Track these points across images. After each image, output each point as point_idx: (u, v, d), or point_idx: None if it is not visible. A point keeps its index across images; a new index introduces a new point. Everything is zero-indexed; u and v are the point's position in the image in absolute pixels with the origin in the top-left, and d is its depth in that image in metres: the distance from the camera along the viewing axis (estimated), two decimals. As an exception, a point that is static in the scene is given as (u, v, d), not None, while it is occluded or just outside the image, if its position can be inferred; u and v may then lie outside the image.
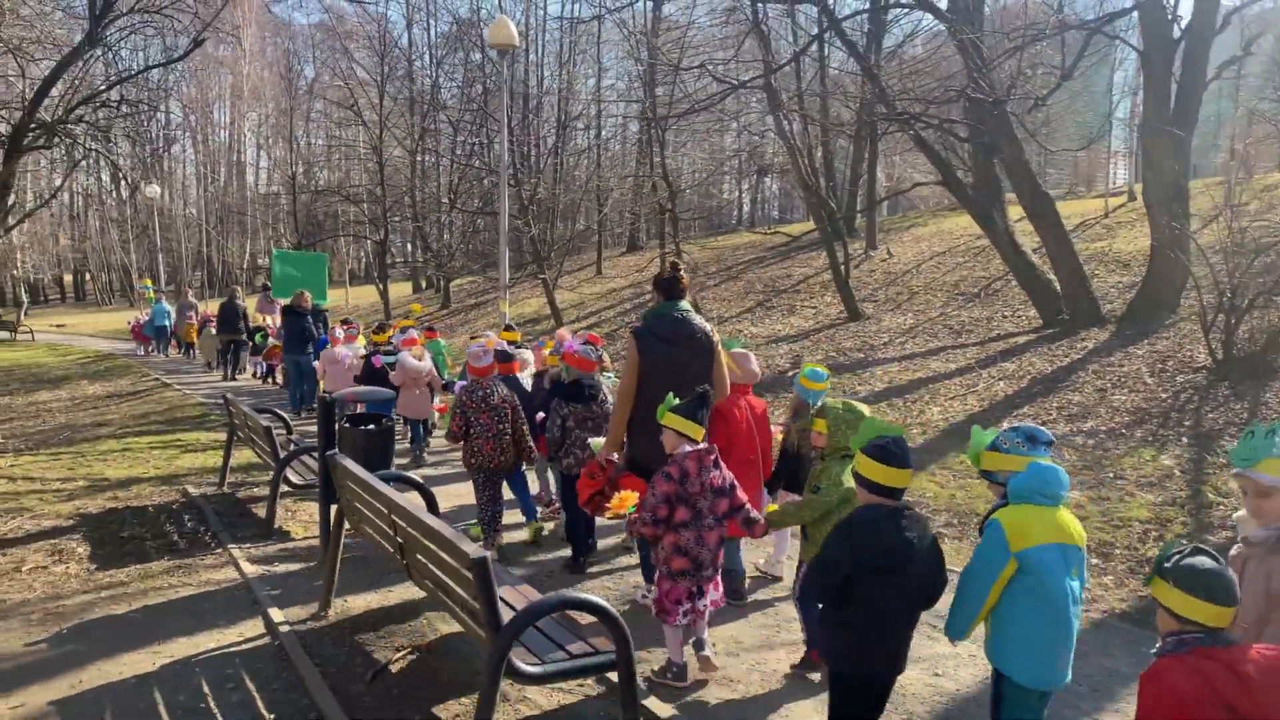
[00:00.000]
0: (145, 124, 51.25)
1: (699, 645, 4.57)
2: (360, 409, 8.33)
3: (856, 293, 19.09)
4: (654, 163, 15.21)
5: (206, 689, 4.59)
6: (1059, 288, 14.57)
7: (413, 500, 4.46)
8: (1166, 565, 2.57)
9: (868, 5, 20.31)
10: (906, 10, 19.27)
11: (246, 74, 45.12)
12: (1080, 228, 21.73)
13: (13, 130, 12.20)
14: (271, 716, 4.29)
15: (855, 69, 20.95)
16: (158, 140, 53.88)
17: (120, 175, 40.23)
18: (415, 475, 6.21)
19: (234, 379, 18.48)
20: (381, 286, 29.46)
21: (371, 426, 7.15)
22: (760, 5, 18.14)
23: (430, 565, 4.02)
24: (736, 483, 4.48)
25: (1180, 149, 13.12)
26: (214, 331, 18.62)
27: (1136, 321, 13.23)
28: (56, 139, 12.80)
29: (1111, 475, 8.51)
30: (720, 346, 5.29)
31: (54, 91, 12.80)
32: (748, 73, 19.28)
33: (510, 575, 4.84)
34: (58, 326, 38.47)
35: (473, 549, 3.53)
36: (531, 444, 6.73)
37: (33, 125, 12.22)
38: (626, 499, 4.44)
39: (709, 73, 17.59)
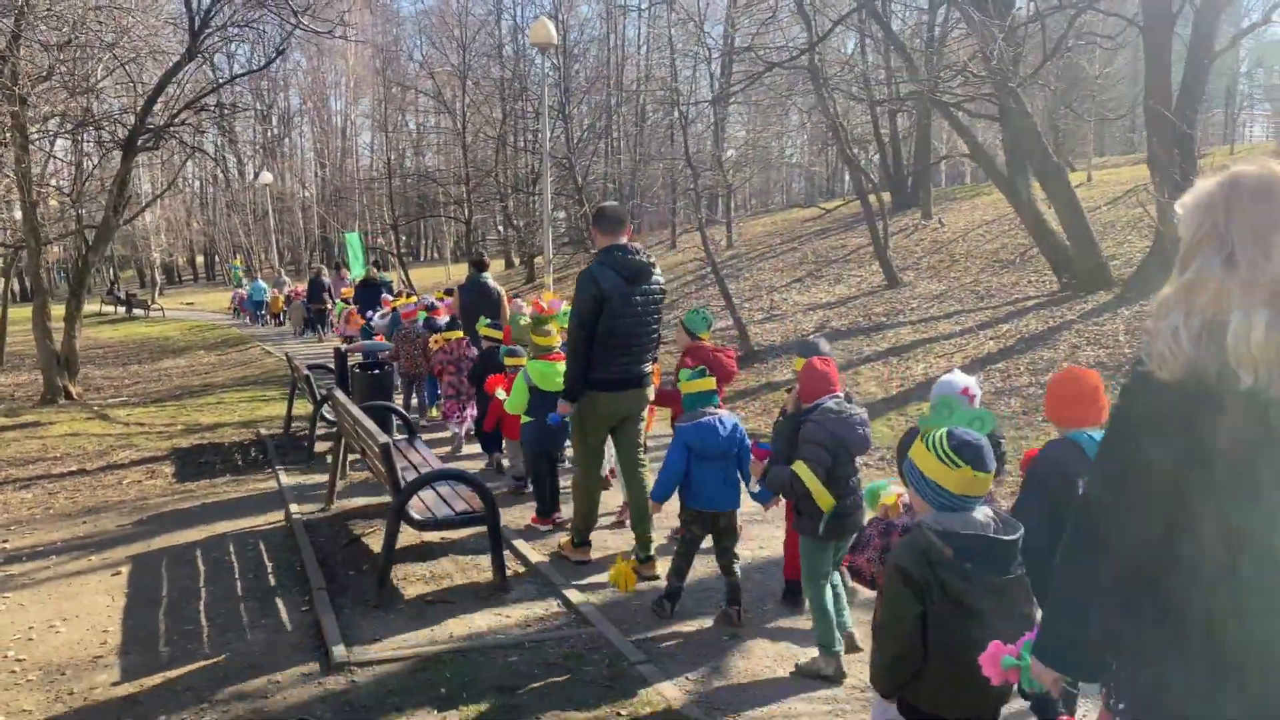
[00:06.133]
0: (266, 114, 55.04)
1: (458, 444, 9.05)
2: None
3: (903, 261, 19.99)
4: (685, 147, 16.50)
5: (231, 549, 6.45)
6: (1071, 254, 15.29)
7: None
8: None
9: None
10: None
11: (351, 65, 48.11)
12: (1131, 193, 22.08)
13: (127, 134, 14.45)
14: (270, 564, 6.09)
15: (914, 45, 21.77)
16: (277, 127, 57.74)
17: (223, 169, 43.64)
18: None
19: (320, 342, 20.98)
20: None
21: (375, 371, 9.07)
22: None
23: (370, 454, 5.70)
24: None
25: (1185, 120, 13.65)
26: (301, 303, 21.16)
27: (1141, 285, 13.89)
28: (165, 141, 15.02)
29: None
30: (507, 296, 9.56)
31: (161, 98, 14.99)
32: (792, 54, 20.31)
33: (430, 455, 6.77)
34: (188, 304, 42.14)
35: (382, 437, 5.18)
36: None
37: (145, 130, 14.43)
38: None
39: (756, 55, 18.78)
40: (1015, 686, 2.32)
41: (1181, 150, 13.33)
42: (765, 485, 4.46)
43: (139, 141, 14.48)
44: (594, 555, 6.01)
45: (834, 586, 4.44)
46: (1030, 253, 18.49)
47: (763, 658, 4.59)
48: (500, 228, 42.24)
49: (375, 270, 16.05)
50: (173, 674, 4.60)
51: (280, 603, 5.45)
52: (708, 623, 5.00)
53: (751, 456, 4.82)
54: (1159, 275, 13.61)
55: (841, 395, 4.32)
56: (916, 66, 17.36)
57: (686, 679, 4.39)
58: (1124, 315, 12.71)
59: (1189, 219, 1.97)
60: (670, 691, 4.22)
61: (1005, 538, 2.57)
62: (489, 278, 9.85)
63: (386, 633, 4.97)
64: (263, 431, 10.80)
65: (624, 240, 5.59)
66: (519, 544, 6.24)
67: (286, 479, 8.28)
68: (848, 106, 25.88)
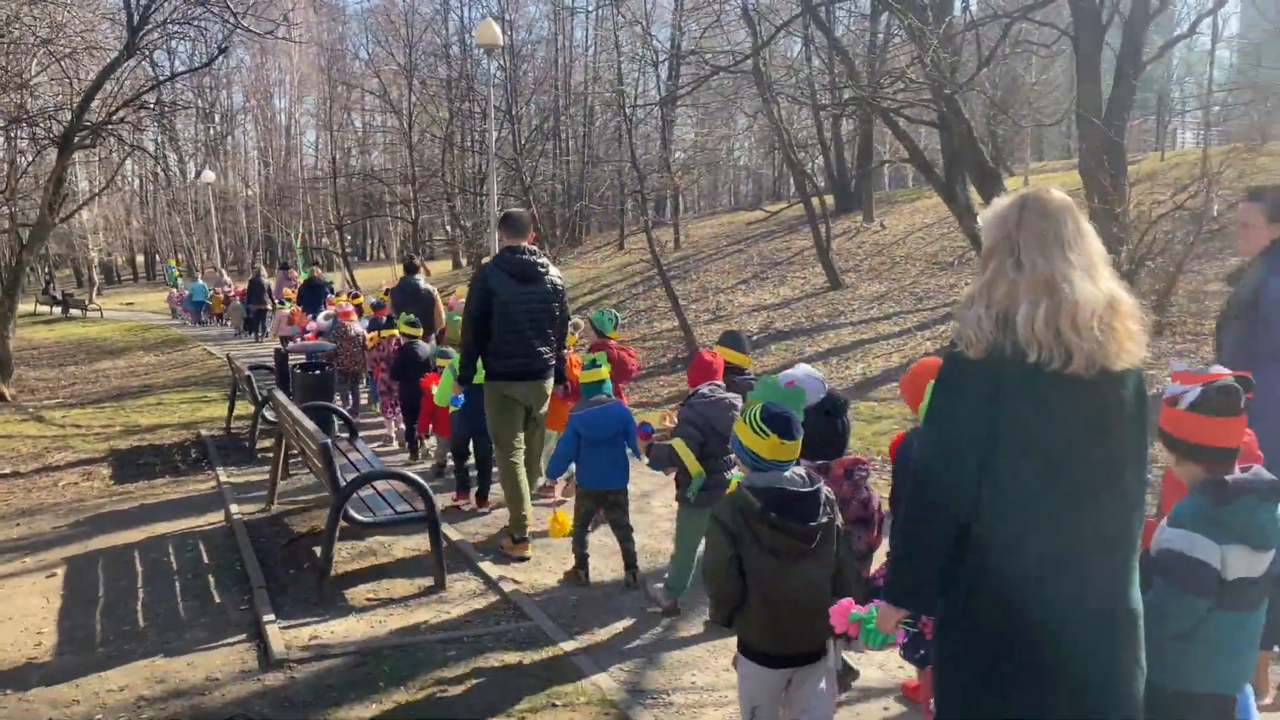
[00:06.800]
0: (208, 112, 54.06)
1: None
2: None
3: (845, 263, 20.30)
4: (629, 150, 16.65)
5: (171, 550, 6.43)
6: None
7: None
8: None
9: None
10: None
11: (296, 62, 47.45)
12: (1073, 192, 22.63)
13: (64, 131, 14.20)
14: (210, 564, 6.10)
15: (857, 51, 22.14)
16: (219, 125, 56.72)
17: (163, 168, 42.75)
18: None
19: (260, 342, 20.82)
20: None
21: (316, 372, 9.09)
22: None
23: (309, 453, 5.73)
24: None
25: (1113, 129, 14.04)
26: (240, 303, 21.00)
27: (1072, 287, 14.24)
28: (102, 138, 14.78)
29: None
30: (438, 295, 10.07)
31: (99, 95, 14.74)
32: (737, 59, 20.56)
33: (373, 457, 6.78)
34: (127, 304, 41.28)
35: (321, 436, 5.23)
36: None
37: (81, 127, 14.19)
38: None
39: (702, 59, 19.00)
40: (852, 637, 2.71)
41: (1110, 157, 13.72)
42: (651, 459, 5.07)
43: (75, 139, 14.23)
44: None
45: None
46: (968, 255, 18.89)
47: (697, 648, 4.72)
48: (447, 228, 42.01)
49: (319, 271, 15.99)
50: (109, 673, 4.61)
51: (220, 602, 5.47)
52: (643, 615, 5.13)
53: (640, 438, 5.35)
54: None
55: (721, 383, 4.90)
56: (858, 72, 17.67)
57: (621, 669, 4.51)
58: (1055, 316, 13.05)
59: (989, 229, 2.43)
60: (605, 681, 4.34)
61: (805, 490, 2.98)
62: (420, 279, 10.47)
63: (327, 629, 5.02)
64: (204, 432, 10.71)
65: (524, 243, 6.15)
66: (459, 540, 6.33)
67: (227, 479, 8.25)
68: (792, 110, 26.21)
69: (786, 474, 3.01)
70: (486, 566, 5.84)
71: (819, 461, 3.55)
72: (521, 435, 6.29)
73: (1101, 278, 2.31)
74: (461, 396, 6.53)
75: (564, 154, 32.24)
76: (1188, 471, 2.81)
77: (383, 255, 62.02)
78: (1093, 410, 2.27)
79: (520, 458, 6.24)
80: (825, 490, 3.07)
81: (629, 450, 5.48)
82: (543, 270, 6.15)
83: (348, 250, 41.93)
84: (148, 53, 15.81)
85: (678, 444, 4.73)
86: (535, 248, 6.24)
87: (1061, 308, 2.23)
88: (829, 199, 25.39)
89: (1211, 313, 11.29)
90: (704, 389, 4.85)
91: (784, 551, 2.93)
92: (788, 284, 20.68)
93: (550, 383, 6.35)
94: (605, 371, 5.58)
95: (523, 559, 6.03)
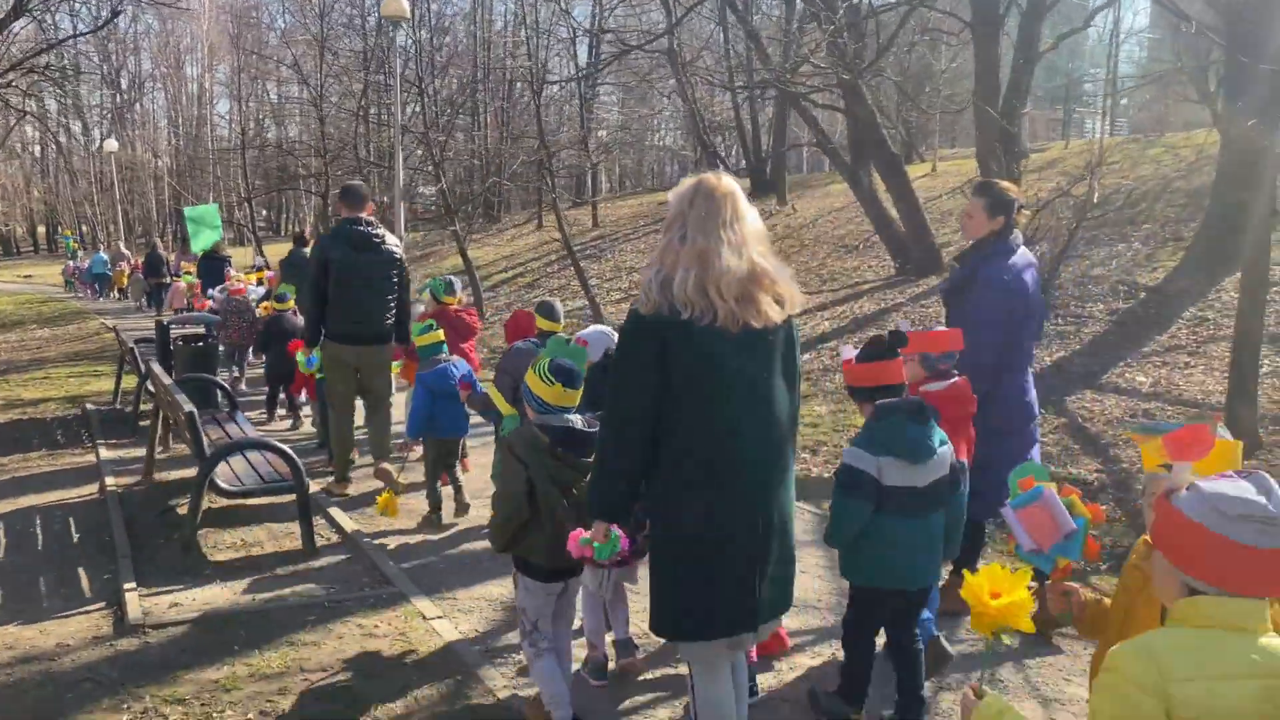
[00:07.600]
0: (114, 78, 52.15)
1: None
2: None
3: (754, 244, 20.58)
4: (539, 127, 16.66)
5: (39, 521, 6.34)
6: (906, 240, 16.07)
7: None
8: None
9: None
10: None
11: (206, 30, 46.02)
12: (967, 184, 23.27)
13: (-55, 94, 13.66)
14: (78, 535, 6.04)
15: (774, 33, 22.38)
16: (128, 92, 54.77)
17: (57, 136, 41.13)
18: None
19: (161, 315, 20.36)
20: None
21: (198, 344, 9.03)
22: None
23: (178, 422, 5.71)
24: None
25: (1010, 114, 14.48)
26: (140, 277, 20.51)
27: (967, 270, 14.68)
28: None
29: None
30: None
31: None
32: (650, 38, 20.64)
33: (248, 426, 6.92)
34: (25, 277, 39.78)
35: (187, 406, 5.22)
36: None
37: (-37, 90, 13.66)
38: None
39: (618, 38, 19.03)
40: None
41: (1005, 146, 14.14)
42: (469, 405, 5.53)
43: (-43, 102, 13.72)
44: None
45: None
46: (873, 239, 19.32)
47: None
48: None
49: (220, 245, 15.70)
50: (-42, 642, 4.56)
51: (82, 572, 5.43)
52: (504, 579, 5.25)
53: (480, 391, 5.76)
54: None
55: (536, 339, 5.28)
56: (769, 56, 17.89)
57: (476, 630, 4.63)
58: (948, 298, 13.47)
59: (672, 205, 2.87)
60: (459, 645, 4.45)
61: (587, 430, 3.38)
62: (308, 252, 10.52)
63: (189, 597, 5.03)
64: (89, 406, 10.48)
65: (362, 215, 6.55)
66: (328, 504, 6.42)
67: (107, 452, 8.12)
68: (712, 93, 26.38)
69: (569, 417, 3.41)
70: (355, 532, 5.90)
71: (598, 412, 3.82)
72: (354, 398, 6.77)
73: (749, 253, 2.76)
74: (315, 357, 6.78)
75: (481, 129, 31.96)
76: (864, 411, 3.49)
77: (297, 229, 60.74)
78: (739, 358, 2.74)
79: (350, 416, 6.82)
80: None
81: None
82: (379, 240, 6.52)
83: (259, 225, 40.96)
84: (37, 15, 15.25)
85: (490, 389, 5.16)
86: (374, 219, 6.61)
87: (708, 276, 2.68)
88: (745, 182, 25.66)
89: (1093, 295, 11.83)
90: (519, 344, 5.24)
91: (564, 482, 3.38)
92: (700, 264, 20.83)
93: (388, 348, 6.71)
94: (440, 334, 6.07)
95: (344, 496, 6.68)
